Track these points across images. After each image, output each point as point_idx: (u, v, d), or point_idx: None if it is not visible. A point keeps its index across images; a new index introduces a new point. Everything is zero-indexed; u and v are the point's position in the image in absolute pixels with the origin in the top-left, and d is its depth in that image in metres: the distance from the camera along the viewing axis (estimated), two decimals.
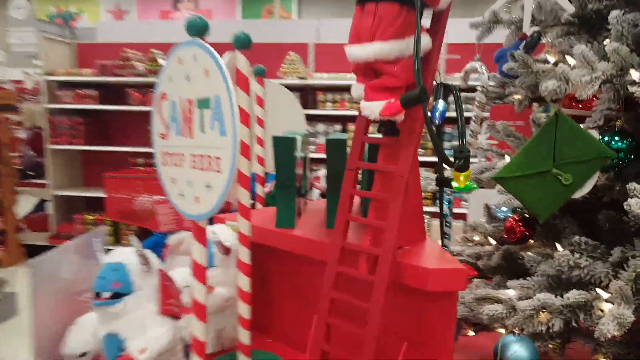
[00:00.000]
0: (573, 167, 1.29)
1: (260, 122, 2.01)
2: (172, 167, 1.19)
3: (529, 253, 1.85)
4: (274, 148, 1.46)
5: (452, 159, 1.25)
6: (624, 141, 1.40)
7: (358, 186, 1.38)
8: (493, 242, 2.19)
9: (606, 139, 1.43)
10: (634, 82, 1.31)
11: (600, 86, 1.37)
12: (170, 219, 2.04)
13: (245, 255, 1.37)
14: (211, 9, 10.29)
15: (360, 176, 1.46)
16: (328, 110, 5.50)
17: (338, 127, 5.54)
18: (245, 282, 1.38)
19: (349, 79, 5.37)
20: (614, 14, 1.39)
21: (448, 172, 1.46)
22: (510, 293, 1.70)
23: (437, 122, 1.26)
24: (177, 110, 1.15)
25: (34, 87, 6.66)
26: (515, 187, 1.45)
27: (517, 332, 1.44)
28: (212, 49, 1.03)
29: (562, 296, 1.48)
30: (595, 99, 1.66)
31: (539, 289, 1.61)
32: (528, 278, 1.69)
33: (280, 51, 5.78)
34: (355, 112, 5.25)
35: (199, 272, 1.17)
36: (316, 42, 5.82)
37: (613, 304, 1.39)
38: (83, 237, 1.76)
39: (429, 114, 1.29)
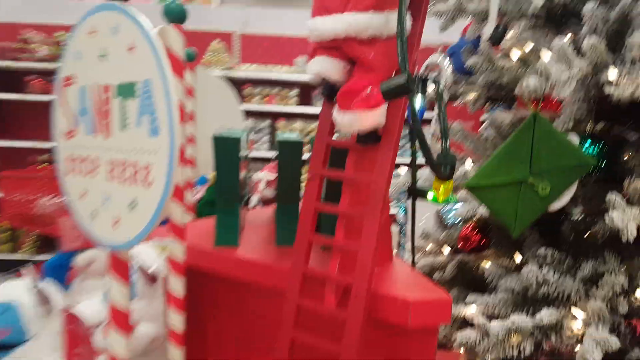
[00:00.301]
0: (550, 176, 1.18)
1: (191, 117, 1.72)
2: (81, 176, 0.88)
3: (488, 264, 1.73)
4: (214, 150, 1.18)
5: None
6: (596, 146, 1.31)
7: None
8: (446, 251, 2.06)
9: (578, 143, 1.34)
10: (609, 82, 1.20)
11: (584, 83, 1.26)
12: (76, 234, 1.68)
13: (177, 285, 1.09)
14: None
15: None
16: (256, 105, 5.19)
17: (267, 122, 5.25)
18: (177, 320, 1.10)
19: (277, 71, 5.10)
20: (589, 6, 1.29)
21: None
22: (473, 310, 1.58)
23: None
24: (88, 99, 0.85)
25: None
26: (488, 197, 1.32)
27: None
28: (140, 17, 0.75)
29: (532, 315, 1.37)
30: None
31: (504, 306, 1.48)
32: (489, 293, 1.57)
33: (202, 40, 5.39)
34: (286, 109, 4.99)
35: (119, 318, 0.87)
36: (242, 32, 5.48)
37: (590, 326, 1.28)
38: None
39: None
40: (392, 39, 0.93)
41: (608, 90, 1.18)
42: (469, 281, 1.90)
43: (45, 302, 1.10)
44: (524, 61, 1.42)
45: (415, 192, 1.20)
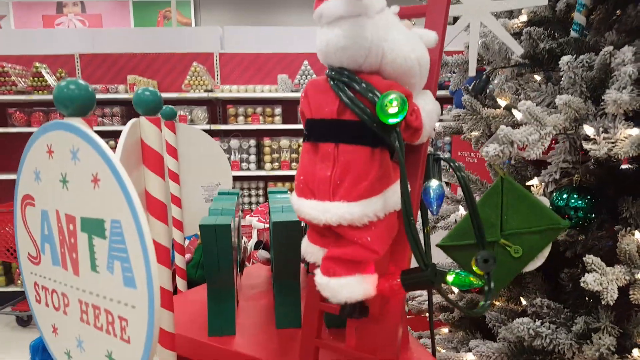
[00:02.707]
0: (522, 238, 1.15)
1: (175, 177, 1.60)
2: (52, 309, 0.77)
3: (492, 312, 1.66)
4: (202, 240, 1.07)
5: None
6: (584, 199, 1.27)
7: None
8: (456, 290, 1.99)
9: (564, 196, 1.29)
10: (587, 138, 1.13)
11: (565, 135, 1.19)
12: None
13: None
14: (100, 13, 9.27)
15: None
16: (240, 125, 5.08)
17: (253, 142, 5.14)
18: None
19: (259, 91, 4.99)
20: (565, 59, 1.23)
21: None
22: (470, 357, 1.52)
23: (435, 207, 0.94)
24: (51, 227, 0.73)
25: None
26: (461, 256, 1.25)
27: None
28: (103, 144, 0.63)
29: None
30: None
31: (499, 357, 1.41)
32: (489, 342, 1.52)
33: (182, 62, 5.27)
34: (270, 127, 4.88)
35: None
36: (221, 51, 5.37)
37: None
38: None
39: (423, 197, 0.98)
40: (391, 216, 0.82)
41: (586, 146, 1.11)
42: (477, 324, 1.82)
43: None
44: (510, 109, 1.35)
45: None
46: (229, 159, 5.08)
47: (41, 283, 0.78)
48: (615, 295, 1.03)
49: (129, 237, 0.61)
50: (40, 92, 4.78)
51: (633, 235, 1.14)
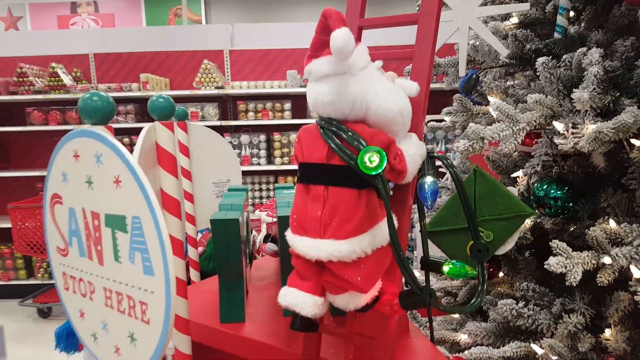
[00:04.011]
0: (493, 224, 1.22)
1: (187, 174, 1.69)
2: (78, 296, 0.86)
3: (487, 296, 1.75)
4: (212, 233, 1.16)
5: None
6: (562, 190, 1.37)
7: None
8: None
9: (544, 187, 1.39)
10: (558, 133, 1.20)
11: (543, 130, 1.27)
12: None
13: None
14: (113, 13, 9.42)
15: None
16: (250, 121, 5.17)
17: (263, 137, 5.23)
18: None
19: (268, 87, 5.07)
20: (541, 60, 1.33)
21: None
22: (463, 336, 1.61)
23: (430, 202, 1.02)
24: (78, 222, 0.82)
25: None
26: (441, 241, 1.37)
27: None
28: (124, 149, 0.71)
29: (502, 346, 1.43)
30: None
31: (486, 336, 1.51)
32: (480, 323, 1.62)
33: (193, 59, 5.38)
34: (280, 122, 4.99)
35: None
36: (231, 48, 5.46)
37: None
38: None
39: (418, 193, 1.05)
40: (380, 250, 0.89)
41: (556, 140, 1.19)
42: (478, 308, 1.91)
43: None
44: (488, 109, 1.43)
45: (429, 265, 1.15)
46: (239, 154, 5.18)
47: (69, 273, 0.87)
48: (579, 277, 1.11)
49: (147, 231, 0.70)
50: (56, 91, 4.91)
51: (608, 223, 1.20)
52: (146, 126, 0.97)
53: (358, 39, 1.11)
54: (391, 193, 1.03)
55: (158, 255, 0.69)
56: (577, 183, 1.44)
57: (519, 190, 1.51)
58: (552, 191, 1.35)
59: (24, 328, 4.56)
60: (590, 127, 1.06)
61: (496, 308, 1.43)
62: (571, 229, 1.47)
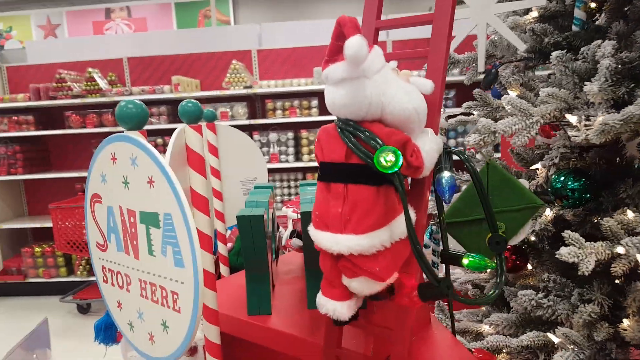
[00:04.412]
0: (505, 215, 1.24)
1: (216, 173, 1.76)
2: (116, 288, 0.93)
3: (511, 288, 1.77)
4: (239, 229, 1.22)
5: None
6: (579, 181, 1.39)
7: None
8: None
9: (562, 178, 1.41)
10: (571, 126, 1.21)
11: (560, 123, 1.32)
12: None
13: None
14: (145, 17, 9.68)
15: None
16: (278, 119, 5.26)
17: (290, 134, 5.30)
18: None
19: (295, 85, 5.15)
20: (555, 54, 1.35)
21: None
22: (485, 327, 1.63)
23: (448, 197, 1.05)
24: (115, 220, 0.89)
25: None
26: (455, 232, 1.41)
27: None
28: (156, 152, 0.78)
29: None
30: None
31: (507, 327, 1.53)
32: (502, 314, 1.65)
33: (222, 60, 5.49)
34: (308, 119, 5.06)
35: None
36: (258, 48, 5.56)
37: (562, 350, 1.31)
38: (27, 335, 1.49)
39: (436, 187, 1.09)
40: (398, 243, 0.93)
41: (569, 133, 1.20)
42: (503, 298, 1.93)
43: None
44: (522, 98, 1.44)
45: (448, 258, 1.19)
46: (268, 152, 5.27)
47: (108, 266, 0.94)
48: (591, 267, 1.13)
49: (178, 227, 0.76)
50: (93, 95, 5.10)
51: (625, 214, 1.22)
52: (177, 129, 1.04)
53: (375, 39, 1.15)
54: (408, 187, 1.07)
55: (187, 248, 0.75)
56: (599, 175, 1.45)
57: (537, 182, 1.53)
58: (570, 183, 1.38)
59: (64, 323, 4.76)
60: (598, 120, 1.08)
61: (516, 299, 1.45)
62: (594, 221, 1.48)
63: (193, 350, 1.31)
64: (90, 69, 5.12)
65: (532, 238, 1.71)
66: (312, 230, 1.00)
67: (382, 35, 4.54)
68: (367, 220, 0.90)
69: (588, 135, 1.08)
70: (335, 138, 0.96)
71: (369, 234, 0.90)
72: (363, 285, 0.95)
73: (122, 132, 0.84)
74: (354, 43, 0.84)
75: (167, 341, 0.82)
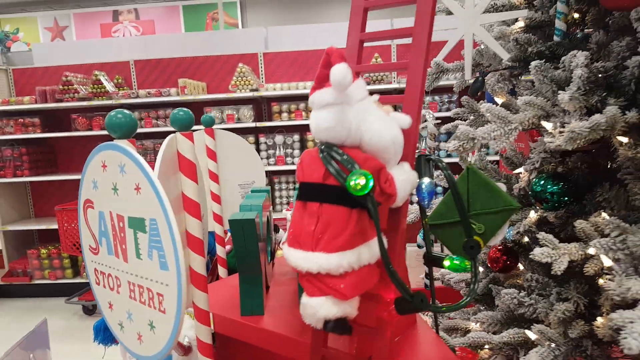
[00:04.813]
0: (484, 218, 1.26)
1: (215, 177, 1.80)
2: (107, 289, 0.97)
3: (499, 287, 1.79)
4: (231, 233, 1.25)
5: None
6: (558, 185, 1.43)
7: None
8: (482, 268, 2.13)
9: (541, 182, 1.45)
10: (547, 132, 1.25)
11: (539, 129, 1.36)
12: None
13: None
14: (153, 19, 9.78)
15: None
16: (284, 121, 5.30)
17: (296, 137, 5.34)
18: None
19: (301, 88, 5.18)
20: (534, 64, 1.37)
21: None
22: (472, 325, 1.66)
23: (427, 202, 1.09)
24: (106, 224, 0.93)
25: None
26: (439, 233, 1.43)
27: None
28: (142, 161, 0.82)
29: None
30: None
31: (493, 324, 1.58)
32: (487, 312, 1.67)
33: (229, 63, 5.54)
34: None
35: None
36: (265, 51, 5.60)
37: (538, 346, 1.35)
38: (26, 336, 1.53)
39: (416, 193, 1.13)
40: (365, 268, 0.96)
41: (545, 139, 1.24)
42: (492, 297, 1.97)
43: None
44: (506, 106, 1.48)
45: (431, 260, 1.23)
46: (274, 154, 5.32)
47: (99, 269, 0.98)
48: (564, 267, 1.16)
49: (162, 232, 0.80)
50: (99, 98, 5.17)
51: (600, 216, 1.25)
52: (168, 137, 1.08)
53: (359, 52, 1.19)
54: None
55: (171, 252, 0.79)
56: (581, 178, 1.48)
57: (520, 186, 1.56)
58: (549, 186, 1.42)
59: (69, 325, 4.82)
60: (567, 127, 1.11)
61: (500, 297, 1.49)
62: (571, 222, 1.51)
63: (187, 350, 1.34)
64: (96, 72, 5.19)
65: (526, 239, 1.74)
66: (285, 248, 1.04)
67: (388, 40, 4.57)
68: (338, 240, 0.94)
69: (558, 141, 1.12)
70: (316, 160, 1.00)
71: (337, 254, 0.93)
72: (320, 306, 0.96)
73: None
74: (340, 69, 0.90)
75: (154, 340, 0.86)
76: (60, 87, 5.17)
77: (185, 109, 1.11)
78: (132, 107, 5.28)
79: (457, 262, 1.15)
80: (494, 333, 1.55)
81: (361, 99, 0.98)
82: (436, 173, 1.88)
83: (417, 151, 1.25)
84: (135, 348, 0.90)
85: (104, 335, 1.77)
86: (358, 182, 0.88)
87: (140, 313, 0.88)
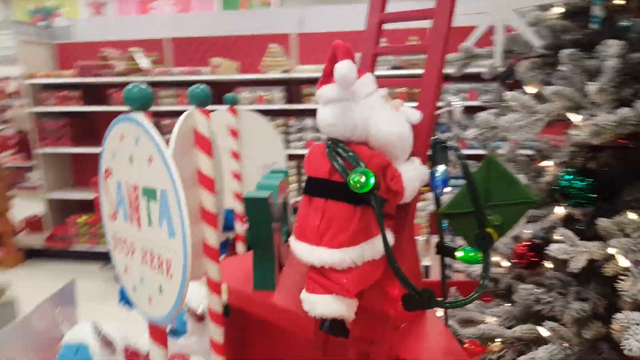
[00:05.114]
0: (502, 210, 1.25)
1: (236, 156, 1.84)
2: (123, 254, 1.02)
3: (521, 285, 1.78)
4: (245, 210, 1.29)
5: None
6: (585, 181, 1.40)
7: None
8: (507, 264, 2.10)
9: (568, 177, 1.42)
10: (574, 125, 1.22)
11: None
12: None
13: (217, 333, 1.22)
14: None
15: None
16: (315, 104, 5.27)
17: None
18: None
19: None
20: (565, 52, 1.34)
21: None
22: (490, 319, 1.66)
23: (440, 190, 1.10)
24: (123, 193, 0.98)
25: (16, 90, 6.39)
26: (456, 223, 1.43)
27: None
28: (155, 133, 0.86)
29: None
30: None
31: (508, 319, 1.56)
32: (504, 306, 1.71)
33: (262, 43, 5.54)
34: None
35: None
36: (300, 32, 5.56)
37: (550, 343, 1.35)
38: (55, 293, 1.62)
39: (430, 181, 1.13)
40: (370, 263, 0.98)
41: (570, 132, 1.21)
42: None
43: (109, 345, 1.28)
44: (538, 96, 1.44)
45: (443, 250, 1.23)
46: (303, 137, 5.33)
47: (117, 235, 1.03)
48: (580, 265, 1.14)
49: (171, 202, 0.84)
50: (135, 74, 5.29)
51: (626, 215, 1.22)
52: (185, 112, 1.12)
53: (378, 33, 1.20)
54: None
55: (178, 221, 0.83)
56: (610, 176, 1.44)
57: (547, 180, 1.54)
58: (576, 182, 1.38)
59: (101, 289, 5.01)
60: (592, 120, 1.09)
61: (517, 292, 1.47)
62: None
63: (201, 318, 1.40)
64: (132, 49, 5.30)
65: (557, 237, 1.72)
66: (292, 239, 1.07)
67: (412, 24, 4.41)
68: (341, 236, 0.96)
69: (583, 135, 1.10)
70: (322, 155, 1.02)
71: (340, 250, 0.96)
72: (319, 304, 0.99)
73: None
74: (344, 66, 0.91)
75: (162, 303, 0.91)
76: (98, 62, 5.30)
77: (202, 85, 1.15)
78: (166, 84, 5.38)
79: (471, 253, 1.15)
80: (508, 328, 1.55)
81: (368, 95, 0.98)
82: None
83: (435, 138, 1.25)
84: (147, 309, 0.96)
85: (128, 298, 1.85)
86: (358, 180, 0.90)
87: (151, 278, 0.93)
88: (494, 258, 2.16)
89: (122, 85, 5.60)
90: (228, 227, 1.85)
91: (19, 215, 6.04)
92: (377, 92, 1.02)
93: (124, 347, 1.31)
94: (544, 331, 1.33)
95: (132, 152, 0.92)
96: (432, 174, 1.11)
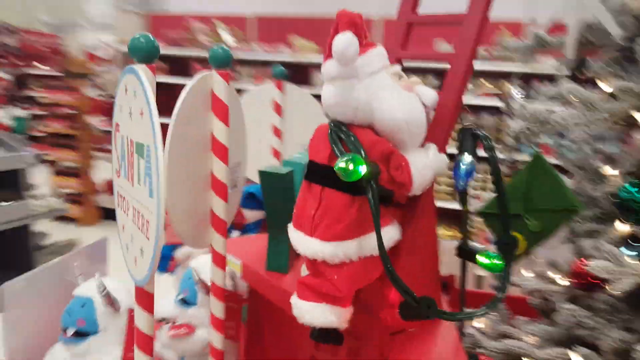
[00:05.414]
0: (542, 215, 1.13)
1: (277, 132, 1.79)
2: (122, 212, 1.00)
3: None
4: (261, 184, 1.24)
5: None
6: None
7: None
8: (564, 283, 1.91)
9: (632, 189, 1.21)
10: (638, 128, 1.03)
11: None
12: None
13: (217, 308, 1.18)
14: None
15: None
16: None
17: None
18: (217, 339, 1.18)
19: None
20: None
21: None
22: (525, 337, 1.51)
23: (462, 183, 0.97)
24: (124, 148, 0.95)
25: (109, 56, 6.77)
26: (491, 223, 1.27)
27: None
28: (147, 86, 0.81)
29: None
30: None
31: (542, 338, 1.41)
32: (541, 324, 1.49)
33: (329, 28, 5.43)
34: None
35: (143, 341, 0.97)
36: (384, 15, 5.37)
37: None
38: (89, 245, 1.68)
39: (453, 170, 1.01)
40: (368, 259, 0.88)
41: (635, 135, 1.02)
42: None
43: (111, 304, 1.29)
44: (613, 94, 1.25)
45: (464, 253, 1.10)
46: None
47: (120, 192, 1.01)
48: (623, 287, 0.98)
49: (153, 160, 0.79)
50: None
51: None
52: (201, 73, 1.08)
53: (406, 35, 1.08)
54: None
55: (156, 180, 0.78)
56: None
57: (607, 190, 1.35)
58: (637, 193, 1.18)
59: None
60: None
61: (559, 312, 1.32)
62: None
63: (209, 289, 1.37)
64: (217, 22, 5.41)
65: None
66: (290, 227, 0.99)
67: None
68: (335, 228, 0.87)
69: None
70: (324, 138, 0.93)
71: (333, 243, 0.87)
72: (308, 312, 0.91)
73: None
74: (341, 40, 0.81)
75: (142, 265, 0.87)
76: (183, 34, 5.47)
77: (223, 46, 1.10)
78: (246, 62, 5.44)
79: (494, 259, 1.01)
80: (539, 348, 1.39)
81: (374, 72, 0.88)
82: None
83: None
84: (132, 269, 0.93)
85: (160, 262, 1.88)
86: (345, 167, 0.80)
87: (137, 238, 0.90)
88: (551, 274, 1.96)
89: (206, 60, 5.77)
90: (257, 205, 1.81)
91: (102, 177, 6.40)
92: (386, 69, 0.90)
93: (127, 308, 1.31)
94: (574, 356, 1.17)
95: (131, 105, 0.89)
96: (456, 164, 0.98)
